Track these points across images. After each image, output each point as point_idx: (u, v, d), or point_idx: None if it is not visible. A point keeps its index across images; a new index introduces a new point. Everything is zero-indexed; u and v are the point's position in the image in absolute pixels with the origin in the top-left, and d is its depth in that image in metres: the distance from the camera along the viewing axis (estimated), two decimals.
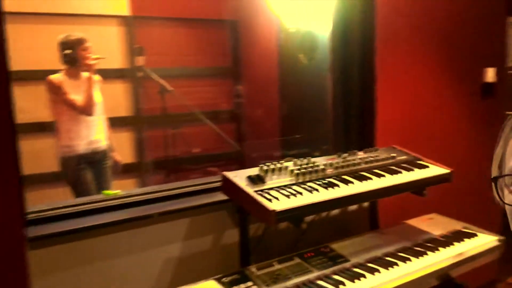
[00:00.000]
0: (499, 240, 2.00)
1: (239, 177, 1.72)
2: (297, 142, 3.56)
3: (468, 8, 2.70)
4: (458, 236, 2.03)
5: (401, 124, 2.50)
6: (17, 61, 3.50)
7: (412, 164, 2.03)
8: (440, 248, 1.91)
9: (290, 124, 4.06)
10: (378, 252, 1.87)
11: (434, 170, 2.00)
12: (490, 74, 2.80)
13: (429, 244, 1.95)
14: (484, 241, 2.01)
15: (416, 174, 1.94)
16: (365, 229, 2.22)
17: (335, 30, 2.42)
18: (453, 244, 1.95)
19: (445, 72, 2.64)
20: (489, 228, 2.12)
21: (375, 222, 2.25)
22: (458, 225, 2.14)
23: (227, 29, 4.84)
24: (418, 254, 1.85)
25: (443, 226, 2.14)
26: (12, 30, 3.56)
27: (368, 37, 2.35)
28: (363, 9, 2.34)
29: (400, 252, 1.87)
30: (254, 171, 1.77)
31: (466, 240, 2.01)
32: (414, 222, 2.19)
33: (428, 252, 1.87)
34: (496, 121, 3.01)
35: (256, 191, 1.63)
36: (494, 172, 0.80)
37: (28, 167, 3.35)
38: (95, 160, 3.19)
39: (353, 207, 2.26)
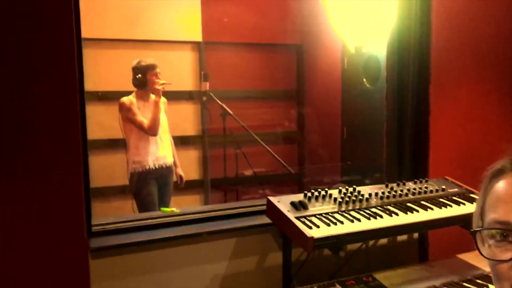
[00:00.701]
0: None
1: (283, 202, 1.81)
2: (353, 168, 3.56)
3: None
4: None
5: (457, 155, 2.44)
6: (99, 83, 3.93)
7: (462, 197, 1.99)
8: (490, 286, 1.84)
9: (351, 149, 4.06)
10: (422, 285, 1.85)
11: None
12: None
13: (478, 281, 1.89)
14: None
15: (465, 208, 1.90)
16: (414, 261, 2.19)
17: (389, 58, 2.44)
18: None
19: (505, 105, 2.54)
20: None
21: (424, 254, 2.22)
22: None
23: (292, 53, 4.98)
24: None
25: None
26: (95, 55, 3.99)
27: (423, 66, 2.35)
28: (418, 37, 2.35)
29: (446, 287, 1.84)
30: (298, 197, 1.85)
31: None
32: (466, 256, 2.12)
33: None
34: None
35: (297, 217, 1.71)
36: (475, 224, 0.82)
37: (101, 180, 3.70)
38: (160, 175, 3.45)
39: (403, 237, 2.24)
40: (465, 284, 1.87)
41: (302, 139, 4.89)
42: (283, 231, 1.78)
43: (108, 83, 4.00)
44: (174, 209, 2.11)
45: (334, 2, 4.02)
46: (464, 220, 1.88)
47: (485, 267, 2.01)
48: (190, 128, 4.52)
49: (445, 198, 1.98)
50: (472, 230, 0.81)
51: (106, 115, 3.84)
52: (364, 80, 4.07)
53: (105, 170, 3.77)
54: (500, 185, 0.78)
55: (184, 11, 4.42)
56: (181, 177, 3.72)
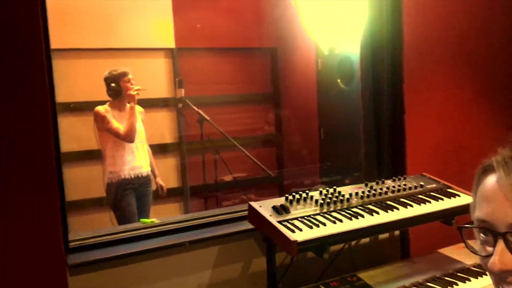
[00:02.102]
0: None
1: (264, 207, 1.79)
2: (332, 169, 3.58)
3: (505, 34, 2.66)
4: None
5: (433, 151, 2.48)
6: (71, 94, 3.84)
7: (441, 193, 2.02)
8: (471, 279, 1.87)
9: (329, 150, 4.09)
10: (406, 282, 1.86)
11: (464, 199, 1.97)
12: None
13: (460, 274, 1.91)
14: None
15: (444, 203, 1.93)
16: (397, 258, 2.21)
17: (363, 57, 2.47)
18: (486, 274, 1.91)
19: (478, 99, 2.59)
20: None
21: (406, 250, 2.24)
22: None
23: (267, 57, 4.99)
24: (447, 285, 1.83)
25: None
26: (66, 66, 3.91)
27: (396, 65, 2.38)
28: (390, 36, 2.38)
29: (429, 282, 1.86)
30: (279, 201, 1.84)
31: None
32: (447, 251, 2.15)
33: (459, 283, 1.84)
34: None
35: (279, 221, 1.70)
36: (472, 217, 0.83)
37: (77, 193, 3.61)
38: (138, 185, 3.39)
39: (384, 235, 2.26)
40: (447, 278, 1.89)
41: (280, 142, 4.90)
42: (267, 236, 1.77)
43: (81, 94, 3.92)
44: (154, 219, 2.07)
45: (307, 5, 4.05)
46: (444, 215, 1.91)
47: (466, 260, 2.04)
48: (166, 135, 4.47)
49: (423, 194, 2.00)
50: (458, 226, 0.83)
51: (79, 126, 3.76)
52: (339, 80, 4.11)
53: (81, 182, 3.69)
54: (486, 183, 0.79)
55: (156, 18, 4.37)
56: (161, 186, 3.68)
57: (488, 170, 0.79)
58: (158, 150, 4.12)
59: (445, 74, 2.52)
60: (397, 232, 2.26)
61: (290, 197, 1.84)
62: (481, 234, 0.78)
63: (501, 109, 2.65)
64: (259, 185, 4.26)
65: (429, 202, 1.94)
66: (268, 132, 4.97)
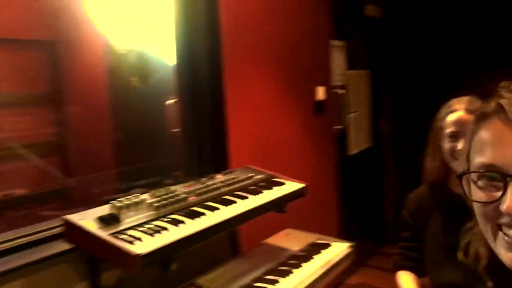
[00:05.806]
0: (351, 246, 2.11)
1: (87, 219, 1.43)
2: (141, 172, 3.28)
3: (299, 33, 2.90)
4: (315, 249, 2.07)
5: (251, 144, 2.50)
6: None
7: (269, 183, 2.01)
8: (302, 264, 1.91)
9: (129, 153, 3.76)
10: (246, 279, 1.79)
11: (291, 186, 2.01)
12: (321, 93, 3.03)
13: (292, 261, 1.94)
14: (338, 249, 2.09)
15: (277, 192, 1.92)
16: (228, 256, 2.11)
17: (179, 52, 2.31)
18: (312, 258, 1.98)
19: (284, 92, 2.76)
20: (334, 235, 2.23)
21: (236, 247, 2.17)
22: (312, 238, 2.19)
23: (43, 51, 4.27)
24: (284, 274, 1.82)
25: (300, 240, 2.16)
26: None
27: (214, 61, 2.30)
28: (207, 32, 2.30)
29: (267, 275, 1.82)
30: (104, 210, 1.50)
31: (322, 251, 2.05)
32: (273, 240, 2.17)
33: (293, 270, 1.86)
34: (326, 135, 3.28)
35: (111, 234, 1.37)
36: (462, 167, 0.80)
37: None
38: None
39: None
40: (282, 268, 1.88)
41: (66, 148, 4.25)
42: (95, 255, 1.41)
43: None
44: None
45: None
46: (279, 203, 1.90)
47: (292, 247, 2.08)
48: None
49: (255, 185, 1.96)
50: (459, 173, 0.79)
51: None
52: (134, 79, 3.82)
53: None
54: (486, 129, 0.75)
55: None
56: None
57: (489, 114, 0.75)
58: None
59: (259, 71, 2.59)
60: None
61: (118, 204, 1.52)
62: (483, 181, 0.74)
63: (304, 99, 2.88)
64: (46, 201, 3.58)
65: (262, 192, 1.90)
66: (49, 139, 4.25)
